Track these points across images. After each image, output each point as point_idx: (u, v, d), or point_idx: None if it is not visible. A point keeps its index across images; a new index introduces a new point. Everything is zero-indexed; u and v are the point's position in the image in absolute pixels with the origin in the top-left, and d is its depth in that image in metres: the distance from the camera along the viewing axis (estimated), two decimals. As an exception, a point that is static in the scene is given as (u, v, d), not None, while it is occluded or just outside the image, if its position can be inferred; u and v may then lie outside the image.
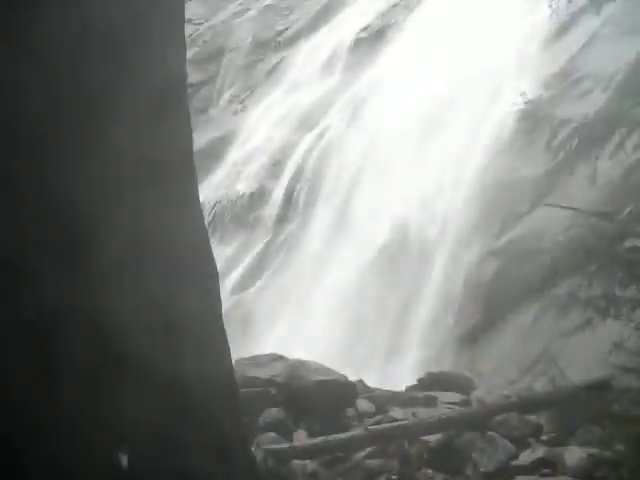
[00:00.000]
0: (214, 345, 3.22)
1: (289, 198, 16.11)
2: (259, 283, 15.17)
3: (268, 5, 20.39)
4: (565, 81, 13.46)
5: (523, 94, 8.49)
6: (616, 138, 6.98)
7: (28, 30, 2.70)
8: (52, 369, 2.70)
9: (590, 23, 13.71)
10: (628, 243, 7.29)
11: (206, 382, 3.10)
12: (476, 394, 9.61)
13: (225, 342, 3.27)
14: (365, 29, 17.95)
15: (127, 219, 2.93)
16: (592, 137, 7.62)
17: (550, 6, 6.94)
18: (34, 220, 2.74)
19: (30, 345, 2.68)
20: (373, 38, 17.56)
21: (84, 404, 2.74)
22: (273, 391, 8.72)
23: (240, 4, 20.90)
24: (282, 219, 15.97)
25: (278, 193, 16.35)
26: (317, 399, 8.74)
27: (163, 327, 2.95)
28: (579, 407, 7.56)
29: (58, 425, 2.70)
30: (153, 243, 3.01)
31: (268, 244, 15.59)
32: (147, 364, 2.85)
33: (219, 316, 3.30)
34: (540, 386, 9.29)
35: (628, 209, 10.89)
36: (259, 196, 16.56)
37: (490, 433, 7.73)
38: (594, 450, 6.63)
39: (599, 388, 7.58)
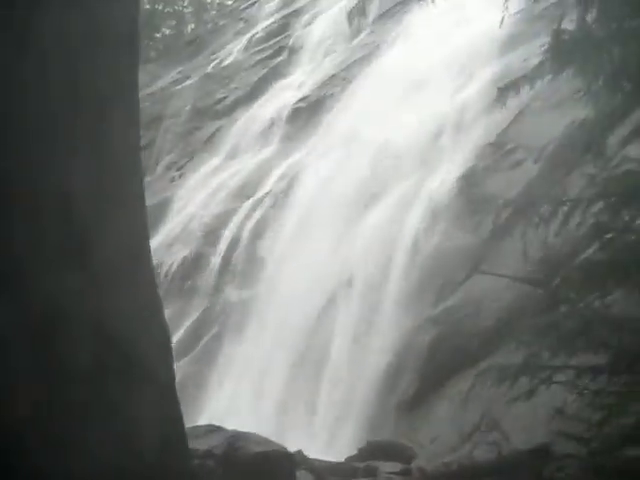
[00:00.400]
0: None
1: (226, 266, 16.00)
2: (194, 353, 14.90)
3: (208, 73, 20.61)
4: (498, 152, 13.84)
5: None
6: (548, 208, 7.15)
7: (30, 30, 2.69)
8: (53, 370, 2.61)
9: (519, 98, 14.23)
10: (563, 309, 7.42)
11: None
12: (417, 463, 9.52)
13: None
14: (303, 99, 18.26)
15: (125, 220, 2.88)
16: (525, 206, 7.82)
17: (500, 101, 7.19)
18: (34, 220, 2.67)
19: (31, 347, 2.59)
20: (311, 108, 17.85)
21: (86, 405, 2.66)
22: (211, 464, 8.47)
23: (179, 72, 21.09)
24: (219, 288, 15.81)
25: (215, 261, 16.23)
26: (256, 471, 8.52)
27: (162, 329, 2.91)
28: (521, 474, 7.55)
29: (59, 425, 2.61)
30: (145, 245, 2.99)
31: (205, 313, 15.38)
32: (148, 366, 2.79)
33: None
34: (481, 454, 9.25)
35: (560, 276, 11.17)
36: (195, 264, 16.41)
37: (433, 503, 7.63)
38: (538, 518, 6.58)
39: (540, 454, 7.58)
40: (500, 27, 7.32)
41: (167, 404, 2.94)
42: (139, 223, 3.05)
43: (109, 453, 2.70)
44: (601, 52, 5.48)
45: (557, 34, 6.02)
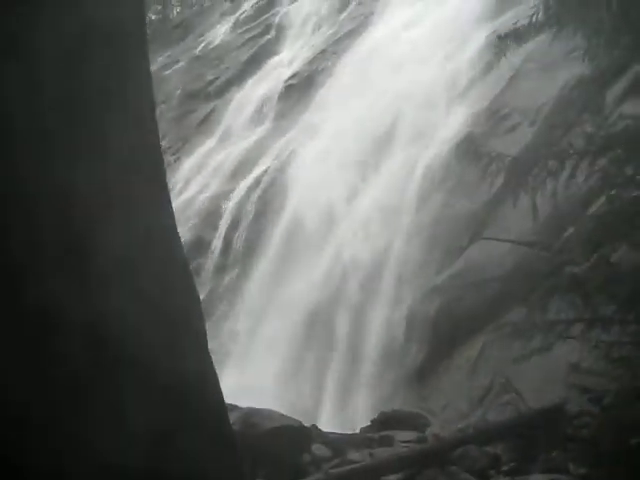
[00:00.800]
0: (198, 335, 3.21)
1: (227, 247, 16.02)
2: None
3: (197, 56, 20.48)
4: (494, 117, 13.80)
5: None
6: (546, 169, 7.13)
7: (29, 30, 2.67)
8: (50, 372, 2.61)
9: (512, 60, 14.16)
10: (568, 270, 7.43)
11: (196, 375, 3.06)
12: (431, 430, 9.58)
13: (204, 329, 3.29)
14: (294, 76, 18.18)
15: (124, 220, 2.87)
16: (523, 169, 7.81)
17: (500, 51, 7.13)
18: (31, 220, 2.66)
19: (30, 347, 2.59)
20: (303, 84, 17.78)
21: (82, 408, 2.66)
22: (227, 441, 8.51)
23: (168, 56, 20.97)
24: (221, 268, 15.83)
25: (216, 242, 16.24)
26: (273, 446, 8.57)
27: (160, 326, 2.90)
28: (536, 433, 7.60)
29: (57, 427, 2.61)
30: (146, 245, 2.97)
31: (209, 294, 15.40)
32: (146, 366, 2.78)
33: (199, 306, 3.34)
34: (494, 416, 9.31)
35: (564, 236, 11.19)
36: (197, 246, 16.40)
37: (451, 467, 7.69)
38: (557, 476, 6.64)
39: (555, 412, 7.64)
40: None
41: (180, 401, 2.93)
42: (150, 223, 3.03)
43: (111, 452, 2.70)
44: (600, 5, 5.44)
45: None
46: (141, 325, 2.80)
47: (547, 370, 8.05)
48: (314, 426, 9.63)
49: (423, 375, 12.18)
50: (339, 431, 10.29)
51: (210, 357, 3.23)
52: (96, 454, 2.63)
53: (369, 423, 10.48)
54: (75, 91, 2.77)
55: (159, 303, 2.90)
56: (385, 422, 10.12)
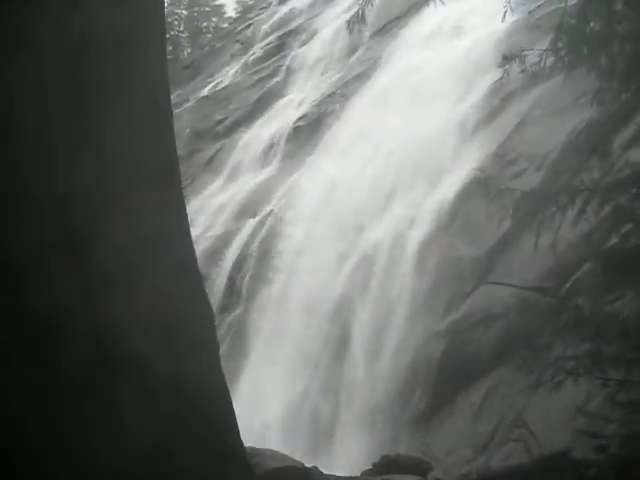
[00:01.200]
0: (206, 343, 3.17)
1: (232, 286, 15.97)
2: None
3: (206, 96, 20.67)
4: (500, 162, 13.83)
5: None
6: (555, 204, 7.11)
7: (30, 30, 2.68)
8: (51, 373, 2.58)
9: (519, 106, 14.28)
10: (575, 313, 7.38)
11: (200, 382, 3.02)
12: (434, 475, 9.45)
13: (216, 340, 3.25)
14: (303, 117, 18.32)
15: (125, 221, 2.86)
16: (529, 214, 7.80)
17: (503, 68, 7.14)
18: (35, 222, 2.65)
19: (31, 347, 2.57)
20: (311, 126, 17.91)
21: (83, 408, 2.63)
22: (227, 481, 8.39)
23: (178, 95, 21.16)
24: (226, 307, 15.77)
25: (220, 281, 16.20)
26: (273, 487, 8.46)
27: (160, 330, 2.87)
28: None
29: (57, 428, 2.57)
30: (149, 246, 2.95)
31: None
32: (146, 367, 2.75)
33: (210, 315, 3.30)
34: (498, 463, 9.19)
35: (568, 284, 11.15)
36: (201, 285, 16.35)
37: (454, 513, 7.57)
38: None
39: (559, 460, 7.52)
40: (502, 21, 7.27)
41: (179, 403, 2.90)
42: (152, 225, 3.03)
43: (110, 454, 2.67)
44: (612, 48, 5.45)
45: (560, 28, 5.97)
46: (137, 326, 2.78)
47: (549, 417, 7.95)
48: (315, 467, 9.51)
49: (427, 420, 12.04)
50: (340, 474, 10.15)
51: (214, 360, 3.19)
52: (96, 454, 2.59)
53: (370, 466, 10.35)
54: (77, 92, 2.77)
55: (153, 305, 2.88)
56: (387, 466, 10.00)
